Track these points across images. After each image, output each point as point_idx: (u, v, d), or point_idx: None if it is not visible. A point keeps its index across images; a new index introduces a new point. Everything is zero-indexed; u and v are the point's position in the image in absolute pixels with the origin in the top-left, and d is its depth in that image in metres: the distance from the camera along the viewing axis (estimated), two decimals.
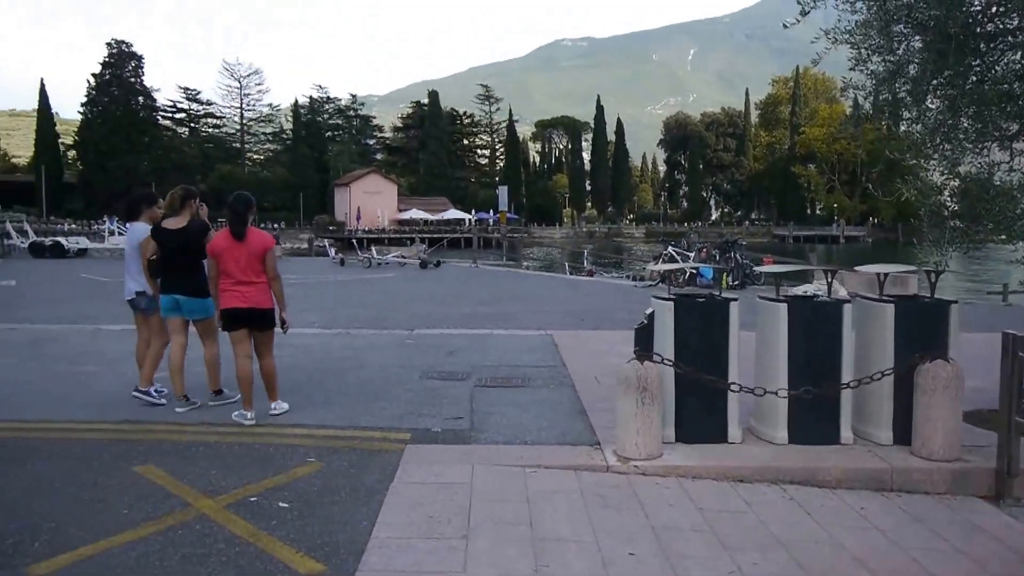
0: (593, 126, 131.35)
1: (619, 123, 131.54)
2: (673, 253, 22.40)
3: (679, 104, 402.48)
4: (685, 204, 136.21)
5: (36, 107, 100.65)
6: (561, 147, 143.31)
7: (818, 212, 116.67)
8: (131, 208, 7.51)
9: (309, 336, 10.92)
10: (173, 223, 6.98)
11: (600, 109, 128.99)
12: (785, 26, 6.46)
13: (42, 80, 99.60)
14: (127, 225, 7.58)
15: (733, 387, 5.78)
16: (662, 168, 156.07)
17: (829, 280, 6.46)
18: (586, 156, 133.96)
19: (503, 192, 34.27)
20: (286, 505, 4.68)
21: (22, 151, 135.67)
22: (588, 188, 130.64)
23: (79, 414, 6.72)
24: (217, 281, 6.46)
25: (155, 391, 7.15)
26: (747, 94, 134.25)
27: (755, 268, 20.25)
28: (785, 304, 5.88)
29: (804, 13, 6.30)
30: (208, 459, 5.51)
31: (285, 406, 6.74)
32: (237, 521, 4.44)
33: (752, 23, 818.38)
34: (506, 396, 7.40)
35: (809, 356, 5.83)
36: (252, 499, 4.77)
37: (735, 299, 5.97)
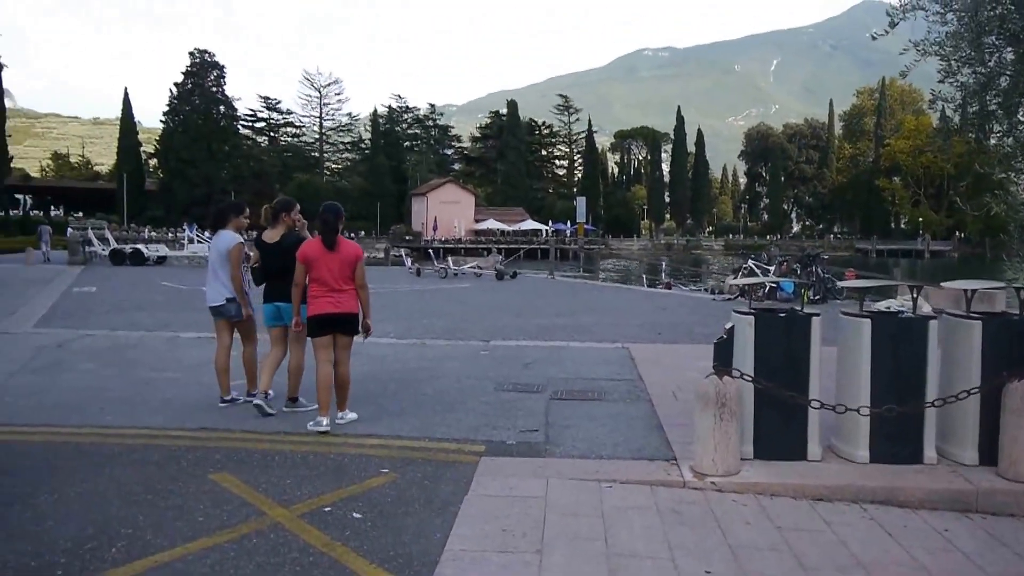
0: (673, 137, 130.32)
1: (699, 134, 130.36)
2: (753, 266, 22.02)
3: (761, 115, 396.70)
4: (765, 216, 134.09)
5: (119, 115, 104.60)
6: (640, 158, 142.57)
7: (902, 226, 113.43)
8: (218, 217, 7.71)
9: (384, 346, 11.05)
10: (269, 236, 7.28)
11: (680, 120, 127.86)
12: (873, 37, 6.33)
13: (126, 89, 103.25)
14: (214, 233, 7.76)
15: (814, 404, 5.64)
16: (742, 180, 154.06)
17: (914, 296, 6.27)
18: (665, 167, 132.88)
19: (581, 203, 34.20)
20: (360, 516, 4.73)
21: (105, 159, 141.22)
22: (667, 200, 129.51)
23: (157, 420, 6.92)
24: (303, 287, 6.67)
25: (236, 393, 7.51)
26: (831, 105, 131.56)
27: (837, 282, 19.76)
28: (869, 320, 5.73)
29: (893, 24, 6.16)
30: (283, 468, 5.60)
31: (353, 416, 6.84)
32: (311, 531, 4.50)
33: (837, 33, 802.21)
34: (582, 409, 7.36)
35: (893, 373, 5.67)
36: (326, 509, 4.83)
37: (817, 314, 5.84)
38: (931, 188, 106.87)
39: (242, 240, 7.53)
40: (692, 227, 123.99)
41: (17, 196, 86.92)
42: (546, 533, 4.52)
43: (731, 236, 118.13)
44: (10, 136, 41.62)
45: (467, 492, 5.12)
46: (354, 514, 4.74)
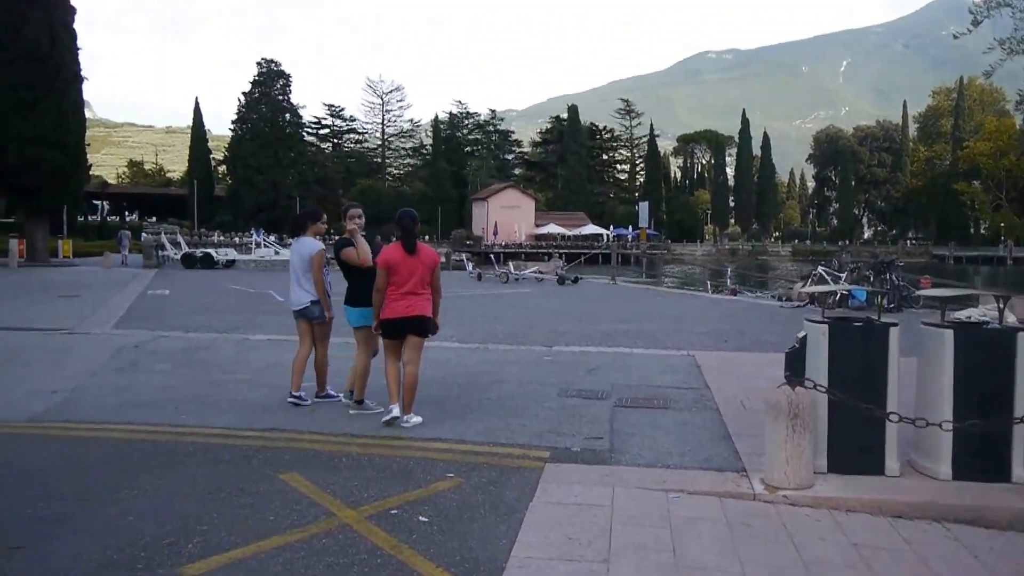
0: (738, 140, 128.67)
1: (765, 137, 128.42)
2: (823, 273, 21.58)
3: (830, 117, 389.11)
4: (835, 222, 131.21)
5: (190, 124, 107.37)
6: (704, 162, 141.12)
7: (982, 232, 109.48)
8: (298, 223, 8.02)
9: (447, 350, 11.10)
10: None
11: (745, 123, 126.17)
12: (955, 36, 6.13)
13: (196, 99, 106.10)
14: (294, 239, 8.02)
15: (892, 417, 5.47)
16: (810, 184, 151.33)
17: (1001, 306, 6.04)
18: (730, 171, 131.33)
19: (644, 208, 33.99)
20: (426, 519, 4.73)
21: (177, 166, 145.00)
22: (731, 204, 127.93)
23: (229, 420, 7.06)
24: (383, 293, 6.83)
25: (304, 394, 7.70)
26: (904, 106, 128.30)
27: (913, 290, 19.22)
28: (951, 330, 5.54)
29: (976, 23, 5.95)
30: (350, 470, 5.65)
31: (418, 420, 6.89)
32: (379, 533, 4.52)
33: (909, 32, 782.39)
34: (647, 417, 7.29)
35: (977, 387, 5.46)
36: (393, 512, 4.85)
37: (895, 324, 5.67)
38: (1014, 192, 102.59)
39: (323, 246, 7.73)
40: (758, 232, 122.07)
41: (95, 202, 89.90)
42: (612, 543, 4.47)
43: (798, 242, 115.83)
44: (89, 145, 43.17)
45: (532, 498, 5.09)
46: (420, 517, 4.76)
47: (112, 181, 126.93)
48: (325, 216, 8.09)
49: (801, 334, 5.83)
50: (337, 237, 7.80)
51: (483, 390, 8.36)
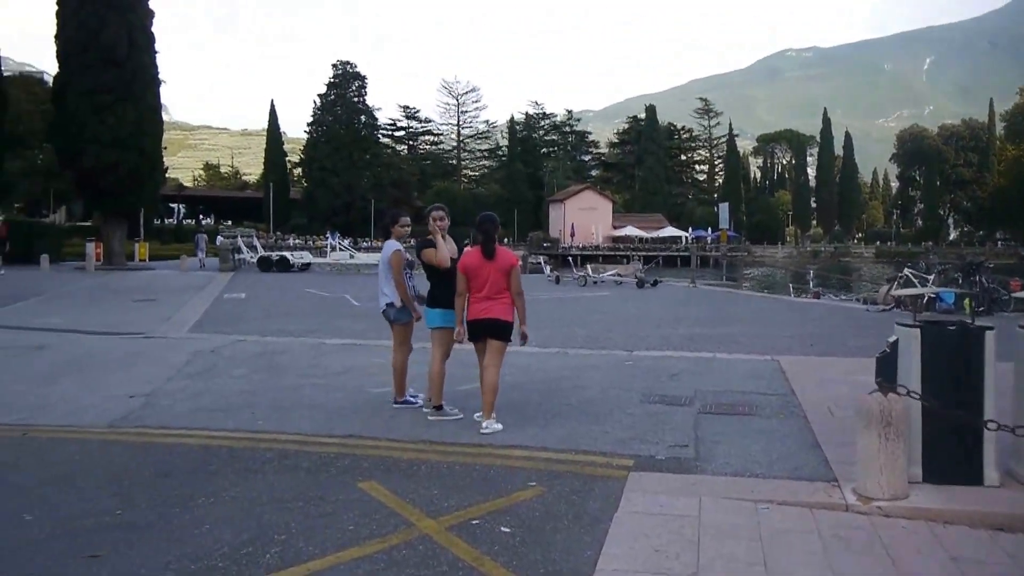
0: (819, 140, 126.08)
1: (847, 136, 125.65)
2: (910, 275, 20.93)
3: (913, 116, 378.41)
4: (919, 223, 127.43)
5: (266, 127, 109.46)
6: (784, 162, 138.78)
7: None
8: (385, 227, 8.26)
9: (526, 355, 11.05)
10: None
11: (827, 122, 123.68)
12: None
13: (272, 101, 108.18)
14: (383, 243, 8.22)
15: (990, 425, 5.24)
16: (894, 184, 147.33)
17: None
18: (811, 172, 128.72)
19: (724, 209, 33.46)
20: (508, 530, 4.69)
21: (252, 168, 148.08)
22: (813, 205, 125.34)
23: (306, 426, 7.12)
24: (464, 297, 6.99)
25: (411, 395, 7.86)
26: (991, 105, 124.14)
27: (1004, 293, 18.54)
28: None
29: None
30: (430, 478, 5.65)
31: (498, 427, 6.89)
32: (460, 544, 4.49)
33: (995, 29, 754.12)
34: (732, 424, 7.15)
35: None
36: (474, 522, 4.82)
37: (991, 327, 5.45)
38: None
39: (400, 247, 7.79)
40: (840, 234, 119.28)
41: (171, 205, 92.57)
42: (701, 555, 4.38)
43: (882, 243, 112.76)
44: (166, 148, 44.60)
45: (616, 509, 5.02)
46: (502, 528, 4.72)
47: (188, 184, 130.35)
48: (407, 218, 8.15)
49: (892, 338, 5.65)
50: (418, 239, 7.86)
51: (564, 396, 8.30)
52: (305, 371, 9.92)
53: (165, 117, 45.77)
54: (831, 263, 79.33)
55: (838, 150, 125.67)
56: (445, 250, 7.38)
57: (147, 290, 23.88)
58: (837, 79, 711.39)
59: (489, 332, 6.95)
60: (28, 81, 61.69)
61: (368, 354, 11.08)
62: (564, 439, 6.60)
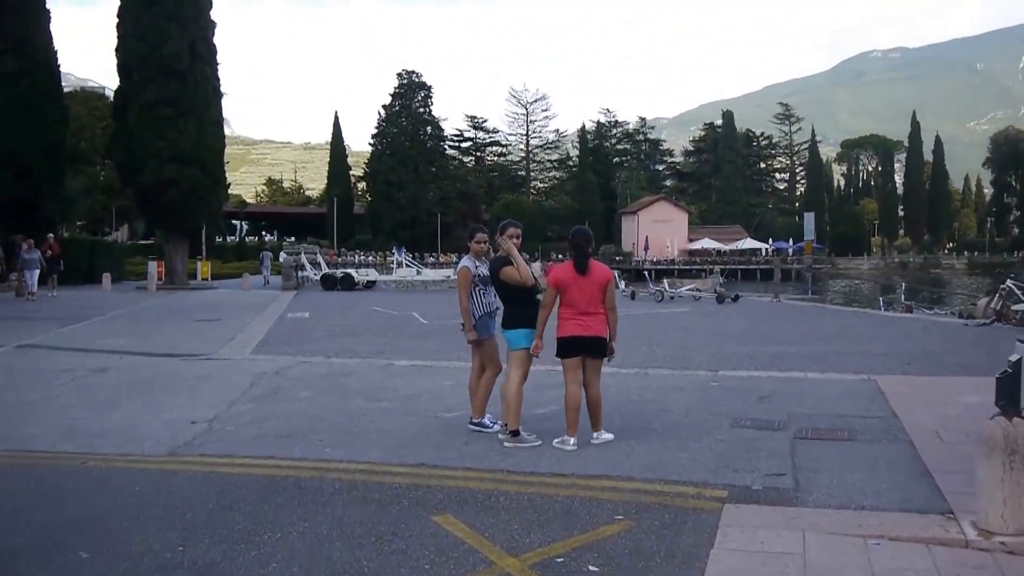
0: (907, 145, 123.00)
1: (938, 141, 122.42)
2: (1013, 287, 20.17)
3: (1008, 118, 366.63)
4: (1016, 231, 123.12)
5: (329, 140, 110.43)
6: (869, 169, 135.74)
7: None
8: (466, 243, 8.13)
9: (605, 375, 10.76)
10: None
11: (916, 126, 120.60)
12: None
13: (336, 113, 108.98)
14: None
15: None
16: (987, 191, 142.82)
17: None
18: (898, 179, 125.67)
19: (809, 219, 32.71)
20: (596, 569, 4.51)
21: (315, 183, 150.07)
22: (900, 214, 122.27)
23: (375, 454, 7.03)
24: (550, 311, 7.04)
25: (489, 420, 7.73)
26: None
27: None
28: None
29: None
30: (509, 511, 5.49)
31: (609, 436, 7.09)
32: None
33: None
34: (831, 450, 6.88)
35: None
36: (558, 560, 4.65)
37: None
38: None
39: (466, 265, 7.68)
40: (929, 244, 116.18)
41: (234, 222, 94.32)
42: None
43: (975, 253, 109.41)
44: (228, 163, 45.34)
45: (712, 545, 4.81)
46: (590, 567, 4.53)
47: (251, 200, 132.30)
48: (484, 234, 7.98)
49: (1014, 357, 5.33)
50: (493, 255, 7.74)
51: (647, 420, 8.11)
52: (373, 394, 9.88)
53: (227, 131, 46.27)
54: (920, 275, 77.33)
55: (927, 155, 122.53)
56: (526, 267, 7.27)
57: (210, 310, 24.21)
58: (925, 81, 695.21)
59: (587, 349, 7.02)
60: (90, 96, 63.30)
61: (438, 376, 11.03)
62: (650, 467, 6.41)
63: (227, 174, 44.66)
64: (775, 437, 7.33)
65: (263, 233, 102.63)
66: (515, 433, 7.20)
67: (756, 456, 6.69)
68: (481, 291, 7.68)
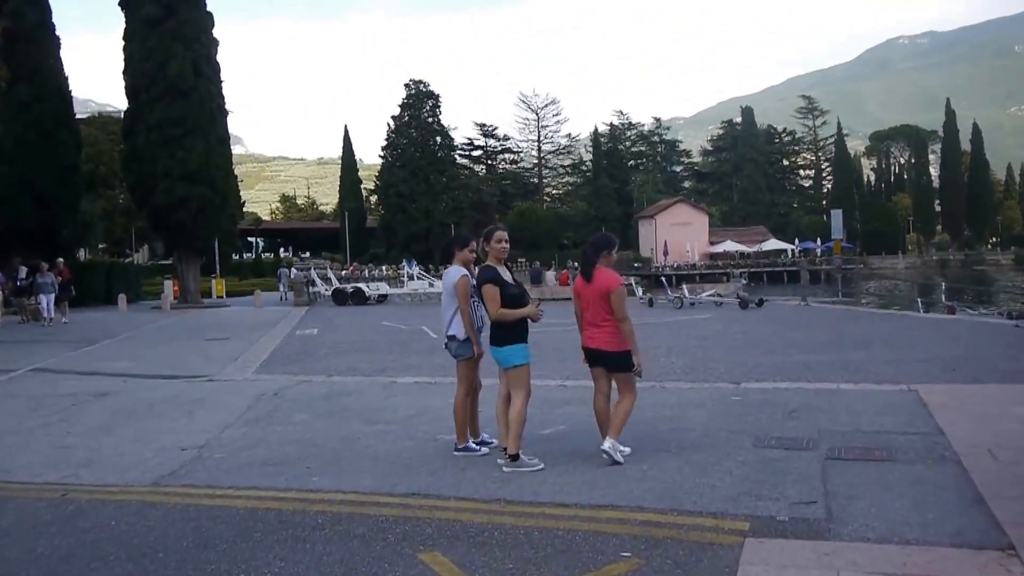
0: (942, 134, 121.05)
1: (975, 129, 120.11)
2: None
3: None
4: None
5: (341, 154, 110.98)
6: (901, 162, 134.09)
7: None
8: (445, 252, 7.84)
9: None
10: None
11: (951, 114, 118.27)
12: None
13: (346, 127, 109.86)
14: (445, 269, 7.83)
15: None
16: None
17: None
18: (934, 171, 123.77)
19: (836, 216, 32.02)
20: None
21: (329, 198, 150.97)
22: (937, 208, 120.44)
23: (365, 483, 6.62)
24: (581, 319, 7.15)
25: (472, 442, 7.47)
26: None
27: None
28: None
29: None
30: (503, 547, 5.04)
31: (626, 450, 6.91)
32: None
33: None
34: (869, 473, 6.33)
35: None
36: None
37: None
38: None
39: (466, 273, 7.36)
40: (970, 239, 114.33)
41: (250, 239, 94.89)
42: None
43: (1021, 248, 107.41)
44: (242, 181, 45.67)
45: None
46: None
47: (266, 217, 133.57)
48: (474, 243, 7.67)
49: None
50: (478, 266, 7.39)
51: (662, 440, 7.60)
52: (371, 415, 9.48)
53: (240, 150, 47.13)
54: (962, 273, 76.14)
55: (965, 145, 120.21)
56: (498, 301, 6.94)
57: (220, 328, 24.19)
58: (958, 66, 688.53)
59: (597, 362, 7.06)
60: (107, 121, 64.22)
61: (443, 394, 10.57)
62: (664, 495, 5.92)
63: (242, 192, 45.37)
64: (804, 458, 6.81)
65: (280, 249, 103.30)
66: (515, 457, 6.77)
67: (782, 481, 6.17)
68: (476, 304, 7.33)
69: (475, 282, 7.21)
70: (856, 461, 6.69)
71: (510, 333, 6.92)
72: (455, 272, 7.39)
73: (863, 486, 5.97)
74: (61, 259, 25.91)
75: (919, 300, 27.73)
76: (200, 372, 13.95)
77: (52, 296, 25.77)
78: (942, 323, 20.02)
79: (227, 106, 40.97)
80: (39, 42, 35.46)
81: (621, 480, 6.34)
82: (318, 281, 40.32)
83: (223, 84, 40.30)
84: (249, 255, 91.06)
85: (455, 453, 7.41)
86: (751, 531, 5.13)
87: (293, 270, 43.32)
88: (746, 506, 5.61)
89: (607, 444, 6.77)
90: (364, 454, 7.61)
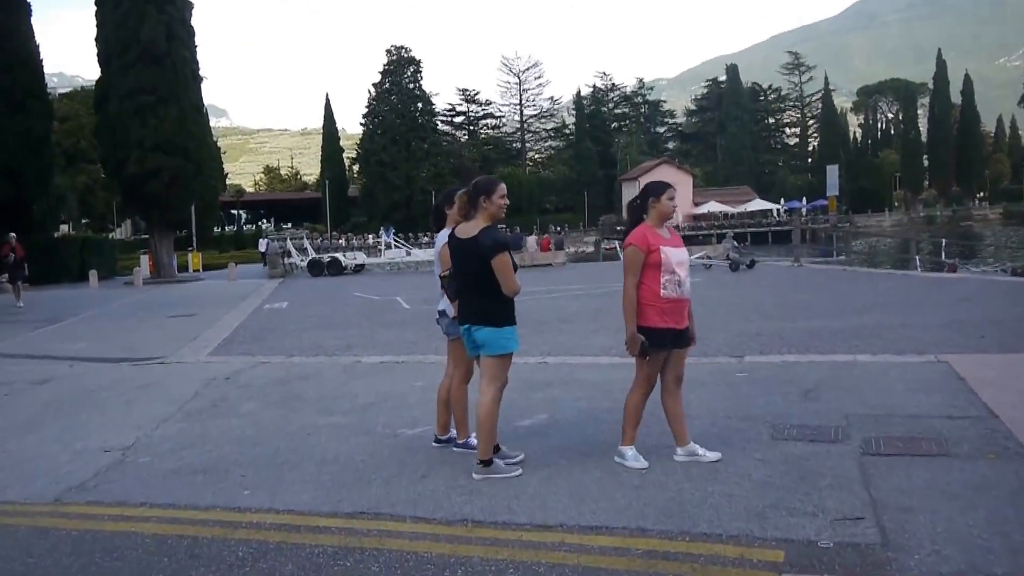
0: (932, 87, 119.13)
1: (967, 80, 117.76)
2: None
3: None
4: None
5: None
6: (889, 117, 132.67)
7: None
8: (437, 214, 6.43)
9: (605, 368, 9.22)
10: (462, 229, 5.67)
11: (941, 64, 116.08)
12: None
13: (327, 95, 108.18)
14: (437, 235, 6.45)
15: None
16: (1022, 133, 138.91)
17: None
18: (922, 126, 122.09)
19: (832, 172, 30.83)
20: None
21: (313, 168, 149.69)
22: (925, 164, 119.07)
23: (305, 497, 5.41)
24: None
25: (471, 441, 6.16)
26: None
27: None
28: None
29: None
30: None
31: (643, 464, 5.51)
32: None
33: None
34: (919, 474, 5.13)
35: None
36: None
37: None
38: None
39: None
40: (958, 195, 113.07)
41: (232, 211, 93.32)
42: None
43: (1011, 202, 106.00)
44: (225, 153, 44.44)
45: None
46: None
47: (250, 189, 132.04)
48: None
49: None
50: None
51: (660, 432, 6.09)
52: (327, 404, 8.27)
53: (226, 122, 45.99)
54: (950, 229, 75.21)
55: (955, 98, 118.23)
56: (514, 274, 5.56)
57: (189, 303, 22.98)
58: (947, 17, 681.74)
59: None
60: (88, 95, 62.94)
61: (410, 375, 9.47)
62: (669, 510, 4.72)
63: (226, 164, 44.60)
64: (835, 453, 5.62)
65: (261, 221, 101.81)
66: (486, 463, 5.56)
67: (815, 486, 4.97)
68: (440, 280, 6.14)
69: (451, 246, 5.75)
70: (899, 456, 5.49)
71: (509, 312, 5.59)
72: (441, 237, 6.15)
73: (917, 493, 4.79)
74: (13, 235, 24.01)
75: (918, 258, 26.58)
76: (153, 354, 12.69)
77: (3, 277, 23.88)
78: (946, 282, 18.91)
79: (202, 72, 39.87)
80: (8, 7, 34.24)
81: (616, 489, 5.14)
82: (293, 252, 39.04)
83: (197, 49, 38.93)
84: (231, 227, 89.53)
85: (454, 450, 6.23)
86: (787, 564, 3.95)
87: (265, 241, 41.92)
88: (775, 525, 4.43)
89: (627, 452, 5.61)
90: (311, 455, 6.39)
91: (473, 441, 5.98)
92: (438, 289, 6.24)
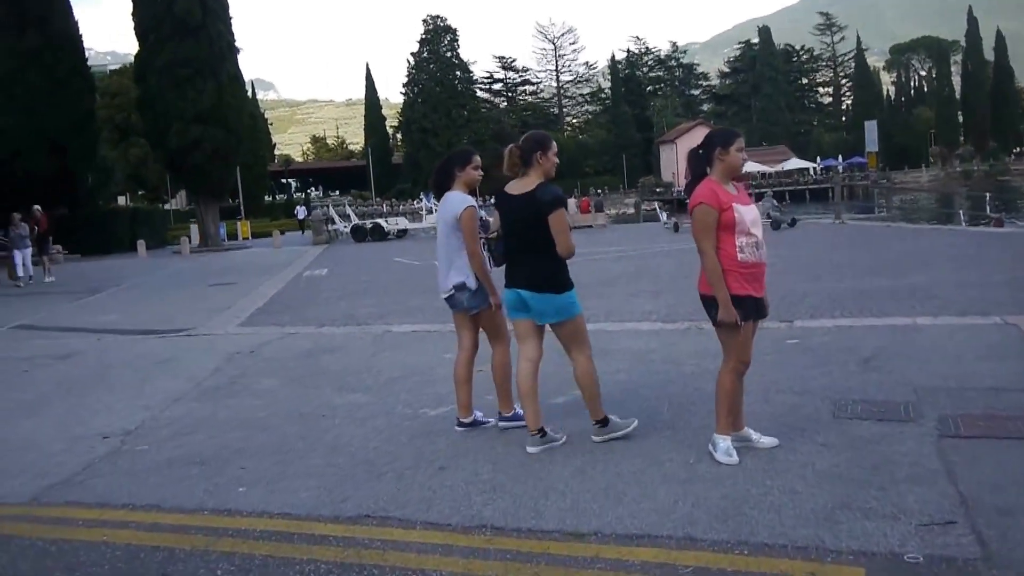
0: (964, 44, 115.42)
1: (999, 37, 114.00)
2: None
3: None
4: None
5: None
6: (922, 74, 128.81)
7: None
8: (440, 175, 5.55)
9: (646, 335, 8.38)
10: (515, 187, 5.04)
11: (974, 22, 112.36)
12: None
13: (367, 65, 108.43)
14: (439, 198, 5.64)
15: None
16: None
17: None
18: (956, 83, 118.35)
19: (871, 128, 29.39)
20: None
21: (358, 137, 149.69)
22: (960, 121, 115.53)
23: (306, 496, 4.63)
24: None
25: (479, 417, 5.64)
26: None
27: None
28: None
29: None
30: None
31: (733, 459, 4.53)
32: None
33: None
34: (1011, 462, 4.23)
35: None
36: None
37: None
38: None
39: (472, 202, 5.33)
40: (994, 150, 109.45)
41: (283, 180, 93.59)
42: None
43: None
44: (273, 124, 44.17)
45: None
46: None
47: (298, 158, 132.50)
48: (478, 159, 5.54)
49: None
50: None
51: (707, 409, 5.15)
52: (349, 380, 7.51)
53: (273, 95, 45.44)
54: (988, 183, 72.65)
55: (988, 55, 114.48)
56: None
57: (231, 272, 22.45)
58: None
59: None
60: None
61: (440, 346, 8.65)
62: (722, 512, 3.88)
63: (275, 135, 44.37)
64: (908, 436, 4.73)
65: (310, 189, 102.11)
66: (604, 423, 5.01)
67: (891, 479, 4.10)
68: (484, 243, 5.32)
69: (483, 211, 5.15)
70: (984, 440, 4.60)
71: (566, 275, 4.92)
72: (457, 200, 5.34)
73: (1014, 488, 3.89)
74: (38, 207, 23.21)
75: (961, 213, 25.19)
76: (184, 325, 12.00)
77: (28, 251, 22.14)
78: (995, 237, 17.72)
79: (238, 44, 39.10)
80: None
81: (659, 483, 4.32)
82: (336, 218, 38.41)
83: (232, 20, 38.24)
84: (282, 196, 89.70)
85: (500, 424, 5.55)
86: None
87: (303, 208, 41.32)
88: (850, 532, 3.56)
89: (720, 442, 4.65)
90: (320, 443, 5.63)
91: (519, 411, 5.34)
92: (443, 262, 5.50)
